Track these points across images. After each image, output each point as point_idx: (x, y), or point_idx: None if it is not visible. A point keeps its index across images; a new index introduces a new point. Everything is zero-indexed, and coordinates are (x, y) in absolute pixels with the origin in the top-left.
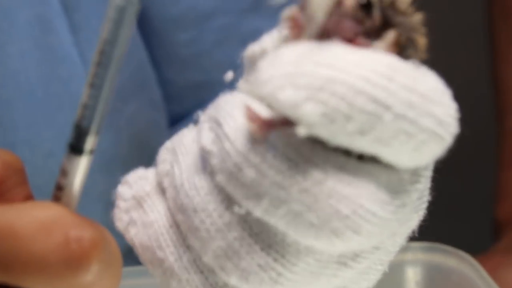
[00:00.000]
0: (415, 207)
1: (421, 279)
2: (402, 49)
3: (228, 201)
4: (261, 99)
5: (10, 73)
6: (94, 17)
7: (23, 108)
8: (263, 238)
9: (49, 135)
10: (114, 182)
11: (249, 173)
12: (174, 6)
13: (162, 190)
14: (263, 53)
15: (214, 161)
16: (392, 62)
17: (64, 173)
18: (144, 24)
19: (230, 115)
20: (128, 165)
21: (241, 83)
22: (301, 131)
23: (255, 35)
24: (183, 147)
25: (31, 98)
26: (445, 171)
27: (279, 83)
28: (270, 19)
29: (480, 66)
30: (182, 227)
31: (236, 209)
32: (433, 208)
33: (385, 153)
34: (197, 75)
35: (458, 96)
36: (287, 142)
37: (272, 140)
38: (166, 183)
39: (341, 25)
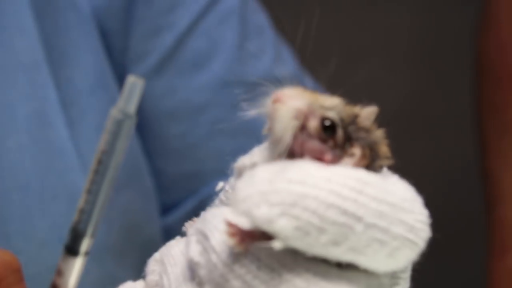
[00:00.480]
0: None
1: None
2: (370, 162)
3: None
4: (240, 215)
5: (7, 165)
6: (91, 111)
7: (18, 199)
8: None
9: (43, 225)
10: (106, 271)
11: (235, 284)
12: (168, 99)
13: None
14: (252, 167)
15: (202, 272)
16: (361, 176)
17: (60, 273)
18: (138, 116)
19: (216, 229)
20: (121, 254)
21: (227, 196)
22: (277, 244)
23: (247, 127)
24: (171, 258)
25: (27, 190)
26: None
27: (255, 200)
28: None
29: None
30: None
31: None
32: None
33: (361, 261)
34: (189, 166)
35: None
36: (269, 253)
37: (255, 252)
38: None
39: (307, 145)
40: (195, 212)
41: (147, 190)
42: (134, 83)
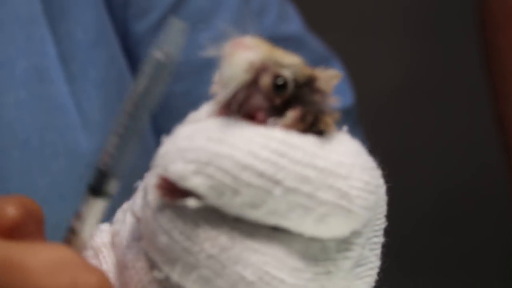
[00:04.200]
0: (355, 274)
1: None
2: (308, 126)
3: (152, 263)
4: (160, 170)
5: (6, 121)
6: (91, 67)
7: (18, 156)
8: None
9: (43, 182)
10: None
11: (163, 239)
12: None
13: (113, 246)
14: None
15: (141, 227)
16: (287, 138)
17: (79, 217)
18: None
19: (152, 182)
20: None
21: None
22: (191, 203)
23: None
24: (132, 209)
25: (26, 146)
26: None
27: (172, 156)
28: None
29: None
30: (119, 282)
31: (156, 273)
32: None
33: (286, 225)
34: None
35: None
36: (196, 210)
37: (183, 207)
38: (115, 241)
39: (250, 99)
40: None
41: (149, 149)
42: (178, 26)
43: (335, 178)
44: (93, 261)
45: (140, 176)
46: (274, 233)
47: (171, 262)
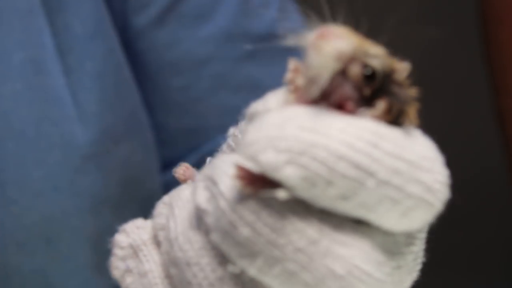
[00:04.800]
0: (409, 269)
1: None
2: (394, 118)
3: (222, 257)
4: (246, 160)
5: (1, 112)
6: (88, 59)
7: (13, 148)
8: None
9: (38, 175)
10: (103, 224)
11: (244, 232)
12: (170, 51)
13: (157, 243)
14: (266, 112)
15: (209, 220)
16: (379, 129)
17: None
18: (140, 68)
19: (225, 174)
20: (119, 208)
21: (236, 142)
22: (281, 194)
23: (250, 82)
24: (180, 202)
25: (22, 138)
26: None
27: (262, 145)
28: (266, 67)
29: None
30: (175, 280)
31: (231, 267)
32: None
33: (371, 218)
34: (191, 121)
35: None
36: (281, 201)
37: (266, 198)
38: (161, 236)
39: (339, 89)
40: (197, 168)
41: (147, 144)
42: None
43: (421, 171)
44: (132, 261)
45: (142, 171)
46: (358, 226)
47: (251, 255)
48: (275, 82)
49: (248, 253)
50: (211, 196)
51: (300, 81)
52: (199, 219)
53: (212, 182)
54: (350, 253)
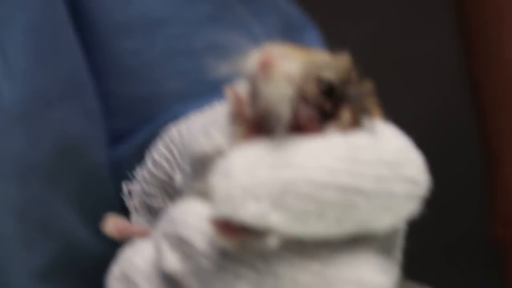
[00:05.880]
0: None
1: None
2: (358, 121)
3: None
4: (225, 216)
5: None
6: (20, 10)
7: None
8: None
9: None
10: (31, 194)
11: (241, 285)
12: (122, 12)
13: None
14: (217, 153)
15: (191, 282)
16: (350, 142)
17: None
18: (87, 29)
19: (197, 230)
20: (52, 178)
21: (194, 185)
22: (273, 242)
23: (209, 48)
24: (138, 273)
25: None
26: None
27: (239, 198)
28: (228, 31)
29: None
30: None
31: None
32: None
33: (366, 229)
34: (144, 88)
35: None
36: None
37: (259, 247)
38: None
39: (299, 112)
40: (151, 142)
41: (89, 111)
42: None
43: (401, 167)
44: None
45: (82, 141)
46: (353, 241)
47: None
48: (236, 48)
49: None
50: (185, 257)
51: (247, 112)
52: (173, 286)
53: (182, 241)
54: (358, 273)
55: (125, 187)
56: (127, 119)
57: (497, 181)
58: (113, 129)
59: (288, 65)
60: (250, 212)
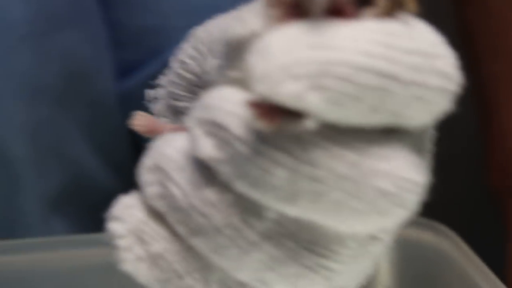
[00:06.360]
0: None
1: (392, 256)
2: (393, 11)
3: (254, 209)
4: (263, 95)
5: None
6: None
7: None
8: (304, 237)
9: None
10: (41, 116)
11: (279, 173)
12: None
13: (157, 215)
14: (253, 37)
15: (226, 169)
16: (387, 28)
17: None
18: None
19: (233, 114)
20: (61, 102)
21: (228, 73)
22: (310, 124)
23: None
24: (171, 163)
25: None
26: None
27: (277, 77)
28: None
29: None
30: (202, 249)
31: (270, 214)
32: None
33: (399, 121)
34: (152, 19)
35: None
36: (311, 130)
37: (295, 132)
38: (162, 207)
39: None
40: (159, 77)
41: (98, 39)
42: None
43: (435, 59)
44: (139, 247)
45: (90, 68)
46: (387, 134)
47: (291, 196)
48: None
49: (287, 195)
50: (221, 143)
51: None
52: (207, 174)
53: (217, 126)
54: (394, 165)
55: (148, 92)
56: (135, 51)
57: (493, 129)
58: (121, 61)
59: None
60: (288, 91)
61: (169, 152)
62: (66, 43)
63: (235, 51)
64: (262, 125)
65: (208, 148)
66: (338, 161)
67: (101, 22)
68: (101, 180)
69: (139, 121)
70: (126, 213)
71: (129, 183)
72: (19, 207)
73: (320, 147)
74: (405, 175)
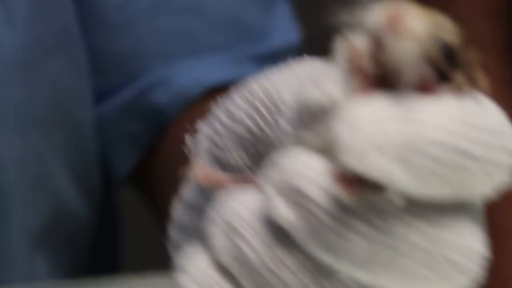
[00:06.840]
0: None
1: None
2: (468, 87)
3: (325, 270)
4: (348, 165)
5: None
6: None
7: None
8: None
9: None
10: (30, 147)
11: (355, 239)
12: None
13: (224, 269)
14: (331, 104)
15: (303, 233)
16: (465, 105)
17: None
18: None
19: (315, 182)
20: (47, 133)
21: (304, 137)
22: (397, 200)
23: (195, 5)
24: (243, 222)
25: None
26: None
27: (364, 150)
28: None
29: None
30: None
31: (341, 276)
32: None
33: (469, 195)
34: (126, 44)
35: None
36: (388, 201)
37: (371, 202)
38: (233, 265)
39: (417, 70)
40: (134, 103)
41: (79, 63)
42: None
43: (504, 138)
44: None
45: (73, 95)
46: (455, 207)
47: (365, 263)
48: (221, 6)
49: (362, 261)
50: (300, 208)
51: (366, 65)
52: (279, 235)
53: (297, 192)
54: (462, 237)
55: (188, 137)
56: (110, 76)
57: None
58: (97, 86)
59: (416, 22)
60: (375, 165)
61: (241, 212)
62: (54, 71)
63: (311, 116)
64: (345, 195)
65: (285, 212)
66: (417, 235)
67: (83, 48)
68: (77, 209)
69: (202, 173)
70: (193, 264)
71: (99, 211)
72: (8, 242)
73: (399, 218)
74: (472, 247)
